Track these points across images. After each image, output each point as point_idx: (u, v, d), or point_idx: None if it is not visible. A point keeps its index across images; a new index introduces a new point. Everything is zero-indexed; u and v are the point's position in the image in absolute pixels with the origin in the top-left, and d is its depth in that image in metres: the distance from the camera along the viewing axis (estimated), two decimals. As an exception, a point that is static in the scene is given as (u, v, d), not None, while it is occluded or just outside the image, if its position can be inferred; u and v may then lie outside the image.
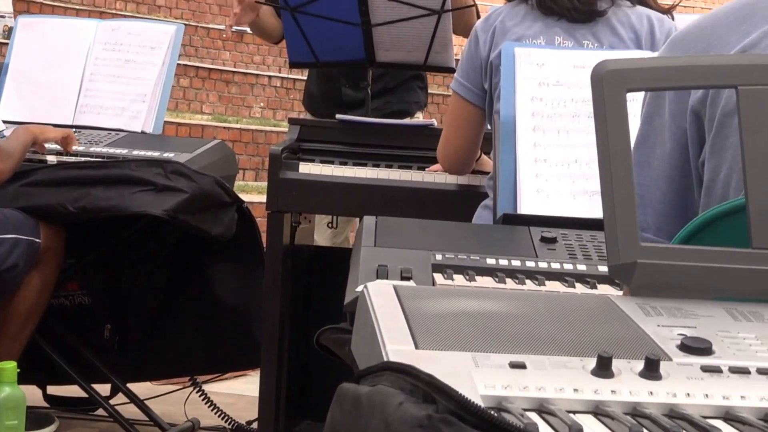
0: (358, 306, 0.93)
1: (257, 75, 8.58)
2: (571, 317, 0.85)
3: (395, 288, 0.93)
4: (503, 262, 1.62)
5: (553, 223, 1.80)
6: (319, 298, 3.00)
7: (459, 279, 1.53)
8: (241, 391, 3.75)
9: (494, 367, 0.74)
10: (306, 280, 2.99)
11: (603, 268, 1.62)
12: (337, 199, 2.68)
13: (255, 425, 3.08)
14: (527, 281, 1.53)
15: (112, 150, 2.84)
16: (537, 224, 1.79)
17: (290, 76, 8.57)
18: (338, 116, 2.85)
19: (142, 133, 3.02)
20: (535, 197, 1.86)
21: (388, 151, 2.83)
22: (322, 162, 2.76)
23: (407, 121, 2.91)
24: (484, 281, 1.54)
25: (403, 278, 1.52)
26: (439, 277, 1.54)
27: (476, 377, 0.70)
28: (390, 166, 2.76)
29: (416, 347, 0.77)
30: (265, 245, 2.71)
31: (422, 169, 2.74)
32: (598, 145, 0.92)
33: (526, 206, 1.86)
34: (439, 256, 1.62)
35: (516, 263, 1.62)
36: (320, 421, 3.05)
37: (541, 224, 1.79)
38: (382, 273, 1.52)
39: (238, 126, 7.24)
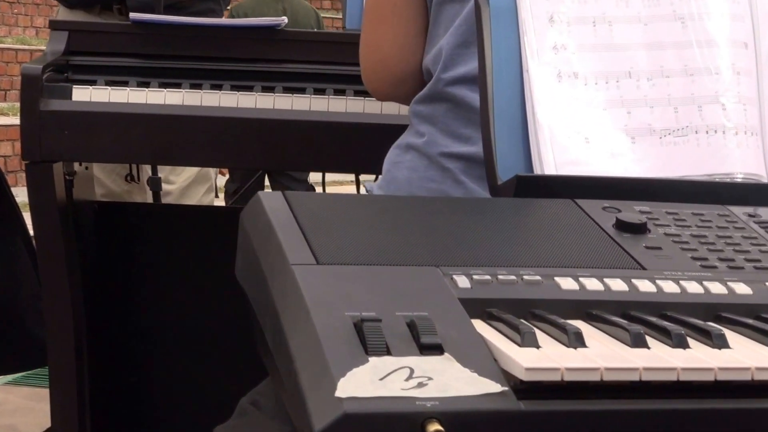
0: None
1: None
2: None
3: None
4: (593, 284, 0.84)
5: (606, 189, 1.04)
6: (115, 269, 2.15)
7: (549, 343, 0.74)
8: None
9: None
10: (96, 248, 2.13)
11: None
12: (139, 140, 1.80)
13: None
14: (693, 341, 0.76)
15: None
16: (577, 192, 1.02)
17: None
18: (133, 16, 1.94)
19: None
20: (566, 143, 1.09)
21: (214, 65, 1.96)
22: (109, 84, 1.85)
23: (243, 20, 2.04)
24: (601, 342, 0.76)
25: (423, 348, 0.71)
26: (498, 338, 0.74)
27: None
28: (218, 87, 1.90)
29: None
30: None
31: (269, 90, 1.90)
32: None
33: (551, 160, 1.08)
34: (462, 280, 0.82)
35: (619, 286, 0.85)
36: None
37: (585, 192, 1.03)
38: (374, 343, 0.71)
39: None
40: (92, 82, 1.84)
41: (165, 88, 1.85)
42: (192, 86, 1.89)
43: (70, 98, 1.76)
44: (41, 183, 1.75)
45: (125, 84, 1.86)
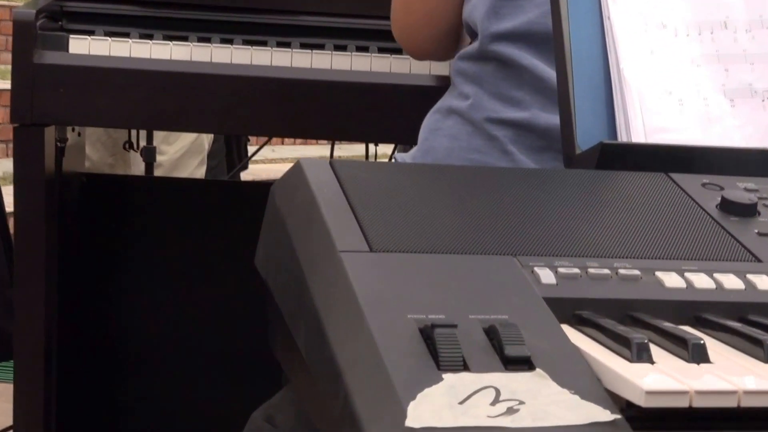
0: None
1: None
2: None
3: None
4: (702, 281, 0.72)
5: (703, 160, 0.91)
6: (100, 249, 2.00)
7: (662, 357, 0.61)
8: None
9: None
10: (79, 226, 1.99)
11: None
12: (143, 101, 1.66)
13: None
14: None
15: None
16: (669, 164, 0.90)
17: None
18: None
19: None
20: (657, 106, 0.96)
21: (223, 16, 1.82)
22: (109, 35, 1.71)
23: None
24: (723, 356, 0.63)
25: (509, 362, 0.59)
26: (598, 350, 0.62)
27: None
28: (229, 42, 1.76)
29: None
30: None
31: (285, 46, 1.77)
32: None
33: (640, 126, 0.95)
34: (545, 274, 0.70)
35: (733, 283, 0.72)
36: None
37: (678, 164, 0.90)
38: (448, 356, 0.59)
39: None
40: (90, 33, 1.71)
41: (171, 41, 1.72)
42: (200, 40, 1.76)
43: (67, 50, 1.63)
44: (30, 150, 1.61)
45: (126, 35, 1.73)
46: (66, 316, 1.89)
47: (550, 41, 1.29)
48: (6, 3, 6.11)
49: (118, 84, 1.63)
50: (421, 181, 0.84)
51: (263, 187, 2.31)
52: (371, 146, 2.53)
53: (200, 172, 2.60)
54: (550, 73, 1.28)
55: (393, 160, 1.48)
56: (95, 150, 2.43)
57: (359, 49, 1.79)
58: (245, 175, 3.38)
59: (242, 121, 1.70)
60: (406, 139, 1.89)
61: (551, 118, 1.27)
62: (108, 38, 1.67)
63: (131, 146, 2.10)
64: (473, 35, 1.38)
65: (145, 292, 2.10)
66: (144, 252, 2.10)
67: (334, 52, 1.76)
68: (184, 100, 1.67)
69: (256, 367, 1.98)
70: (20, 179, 1.64)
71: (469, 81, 1.33)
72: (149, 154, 2.39)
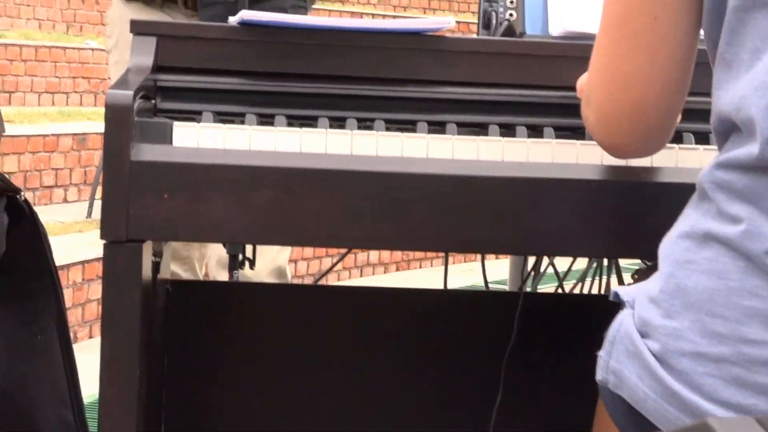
0: None
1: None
2: None
3: None
4: None
5: None
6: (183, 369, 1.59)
7: None
8: None
9: None
10: (165, 344, 1.57)
11: None
12: (265, 209, 1.21)
13: None
14: None
15: None
16: None
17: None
18: (244, 15, 1.36)
19: None
20: None
21: (360, 89, 1.38)
22: (219, 119, 1.27)
23: (392, 22, 1.46)
24: None
25: None
26: None
27: None
28: (368, 123, 1.33)
29: None
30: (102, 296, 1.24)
31: (438, 127, 1.33)
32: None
33: None
34: None
35: None
36: None
37: None
38: None
39: None
40: (192, 114, 1.26)
41: (299, 126, 1.28)
42: (332, 122, 1.32)
43: (170, 141, 1.18)
44: (122, 272, 1.15)
45: (240, 117, 1.29)
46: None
47: None
48: (17, 41, 5.66)
49: (235, 187, 1.18)
50: None
51: (352, 293, 1.91)
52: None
53: (283, 257, 2.14)
54: None
55: (614, 295, 1.07)
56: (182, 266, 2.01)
57: (531, 129, 1.36)
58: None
59: (393, 233, 1.25)
60: (604, 252, 1.45)
61: None
62: (221, 125, 1.22)
63: (251, 264, 1.62)
64: (725, 134, 1.00)
65: (233, 402, 1.68)
66: (231, 361, 1.68)
67: (505, 140, 1.32)
68: (318, 206, 1.22)
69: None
70: (110, 302, 1.18)
71: (738, 198, 0.97)
72: (234, 246, 1.90)
